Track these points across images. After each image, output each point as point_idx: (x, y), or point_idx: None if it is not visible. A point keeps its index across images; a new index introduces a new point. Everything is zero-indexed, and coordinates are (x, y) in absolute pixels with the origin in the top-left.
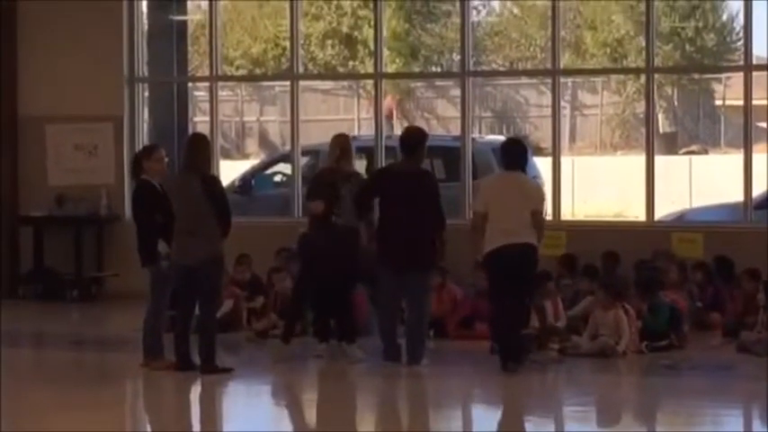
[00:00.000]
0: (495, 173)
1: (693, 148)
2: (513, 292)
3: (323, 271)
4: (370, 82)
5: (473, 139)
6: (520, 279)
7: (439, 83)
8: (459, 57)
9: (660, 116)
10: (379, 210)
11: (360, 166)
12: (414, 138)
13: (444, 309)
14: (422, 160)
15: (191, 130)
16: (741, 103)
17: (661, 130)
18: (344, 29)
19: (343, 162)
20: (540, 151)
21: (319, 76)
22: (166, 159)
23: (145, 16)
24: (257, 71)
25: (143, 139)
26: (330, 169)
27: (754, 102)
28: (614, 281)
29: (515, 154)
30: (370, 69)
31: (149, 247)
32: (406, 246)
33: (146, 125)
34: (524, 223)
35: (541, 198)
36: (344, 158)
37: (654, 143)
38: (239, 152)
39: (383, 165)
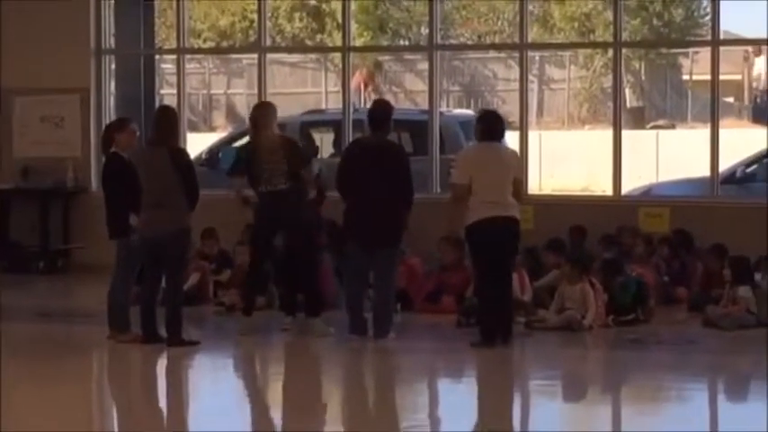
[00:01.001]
0: (473, 145)
1: (660, 122)
2: (498, 266)
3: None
4: (337, 55)
5: (441, 113)
6: (504, 252)
7: (407, 56)
8: (427, 30)
9: (627, 91)
10: (348, 183)
11: (327, 139)
12: (382, 111)
13: (403, 280)
14: (389, 133)
15: (158, 103)
16: (708, 77)
17: (628, 105)
18: (312, 1)
19: (258, 132)
20: (507, 125)
21: (287, 49)
22: (137, 133)
23: None
24: (224, 44)
25: (110, 111)
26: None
27: (722, 77)
28: (581, 255)
29: (494, 124)
30: (338, 42)
31: (120, 220)
32: (374, 221)
33: (112, 97)
34: (509, 194)
35: (521, 165)
36: (259, 128)
37: (621, 118)
38: (206, 125)
39: (350, 139)
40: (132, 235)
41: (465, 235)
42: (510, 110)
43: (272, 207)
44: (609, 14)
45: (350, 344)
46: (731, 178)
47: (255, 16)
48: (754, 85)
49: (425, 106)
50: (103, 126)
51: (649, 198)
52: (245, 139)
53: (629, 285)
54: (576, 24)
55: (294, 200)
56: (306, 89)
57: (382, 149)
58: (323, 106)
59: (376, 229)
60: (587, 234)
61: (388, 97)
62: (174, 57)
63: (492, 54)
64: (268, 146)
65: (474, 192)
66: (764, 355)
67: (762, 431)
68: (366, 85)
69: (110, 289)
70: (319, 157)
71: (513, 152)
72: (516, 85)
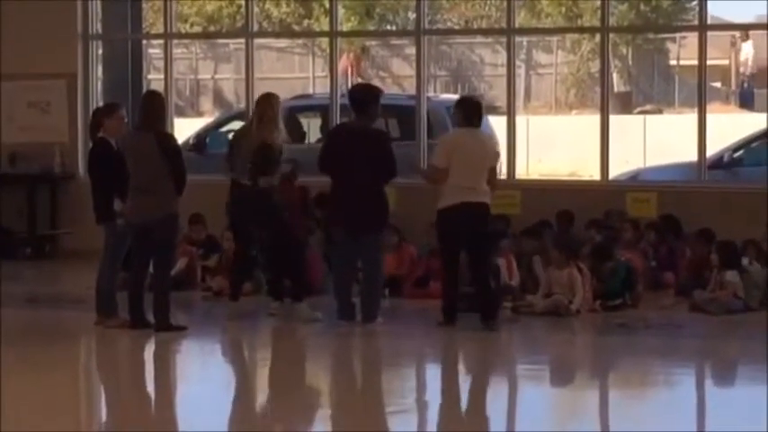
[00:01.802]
0: (454, 130)
1: (648, 107)
2: (473, 251)
3: (244, 229)
4: (325, 40)
5: (428, 98)
6: (476, 237)
7: (394, 41)
8: (414, 15)
9: (615, 76)
10: (332, 168)
11: (315, 124)
12: (362, 94)
13: (403, 268)
14: (374, 118)
15: (145, 88)
16: (695, 62)
17: (615, 90)
18: None
19: (261, 127)
20: (494, 110)
21: (274, 34)
22: (125, 119)
23: None
24: (212, 29)
25: (97, 96)
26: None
27: (709, 62)
28: (569, 240)
29: (471, 110)
30: (326, 27)
31: (107, 205)
32: (358, 206)
33: (100, 83)
34: (483, 181)
35: (498, 154)
36: (263, 123)
37: (608, 103)
38: (194, 110)
39: (337, 123)
40: (118, 220)
41: (436, 218)
42: (497, 95)
43: (240, 199)
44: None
45: (338, 329)
46: (718, 163)
47: (243, 1)
48: (741, 70)
49: (413, 91)
50: (91, 111)
51: (637, 183)
52: (234, 124)
53: (618, 270)
54: (564, 9)
55: (259, 198)
56: (293, 74)
57: (365, 134)
58: (310, 91)
59: (360, 215)
60: (575, 219)
61: (376, 82)
62: (162, 42)
63: (479, 39)
64: (258, 141)
65: (450, 175)
66: (752, 340)
67: (748, 416)
68: (353, 70)
69: (98, 274)
70: (306, 142)
71: (492, 139)
72: (504, 70)
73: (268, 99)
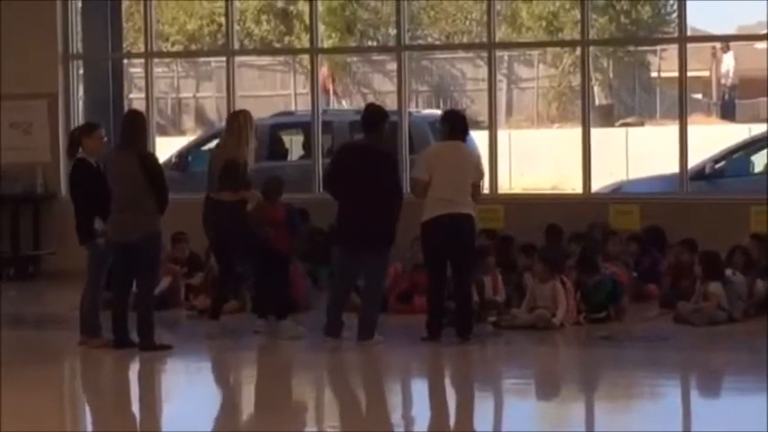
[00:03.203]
0: (437, 143)
1: (629, 120)
2: (457, 264)
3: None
4: (306, 57)
5: (410, 114)
6: (460, 250)
7: (375, 57)
8: (394, 31)
9: (596, 89)
10: (338, 187)
11: (297, 141)
12: (370, 114)
13: (387, 283)
14: (382, 138)
15: (126, 107)
16: (676, 74)
17: (597, 103)
18: (280, 4)
19: (228, 144)
20: (476, 125)
21: (255, 52)
22: (105, 138)
23: None
24: (193, 47)
25: (78, 116)
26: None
27: (689, 73)
28: (553, 253)
29: (457, 124)
30: (306, 44)
31: (87, 225)
32: (362, 226)
33: (81, 102)
34: (465, 193)
35: (481, 169)
36: (231, 140)
37: (590, 116)
38: (175, 128)
39: (320, 140)
40: (99, 239)
41: (420, 232)
42: (479, 109)
43: (207, 214)
44: (576, 13)
45: (323, 345)
46: (700, 174)
47: (223, 19)
48: (723, 81)
49: (394, 107)
50: None
51: (619, 195)
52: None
53: (604, 284)
54: (544, 23)
55: (221, 212)
56: (275, 91)
57: (370, 154)
58: (292, 108)
59: (363, 235)
60: (563, 233)
61: (358, 98)
62: (143, 61)
63: (460, 54)
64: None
65: (432, 187)
66: (736, 351)
67: (734, 427)
68: (333, 87)
69: (81, 294)
70: (288, 159)
71: (475, 154)
72: (485, 85)
73: (235, 117)
